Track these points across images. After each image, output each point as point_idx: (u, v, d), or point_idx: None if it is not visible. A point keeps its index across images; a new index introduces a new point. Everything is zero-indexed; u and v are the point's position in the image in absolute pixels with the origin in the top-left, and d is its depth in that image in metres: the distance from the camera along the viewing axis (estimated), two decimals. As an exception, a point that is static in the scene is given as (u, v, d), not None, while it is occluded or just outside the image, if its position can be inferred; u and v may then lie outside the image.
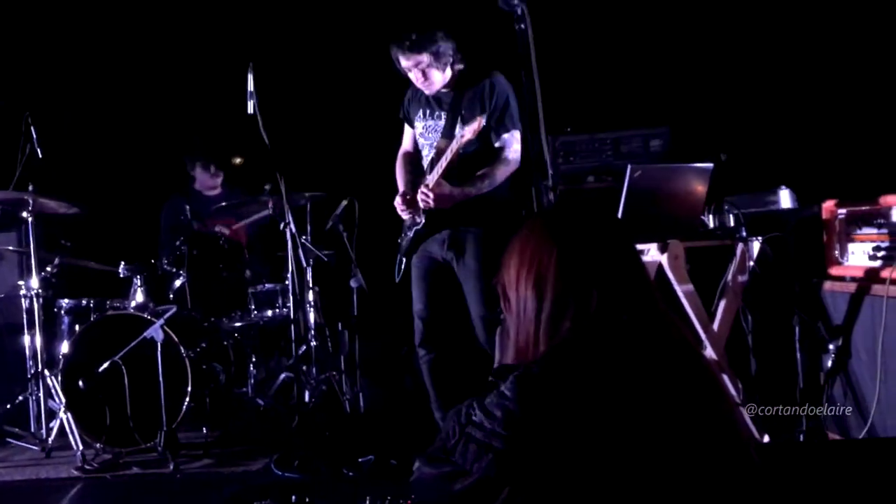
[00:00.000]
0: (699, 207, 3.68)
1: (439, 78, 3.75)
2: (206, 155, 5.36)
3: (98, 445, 4.25)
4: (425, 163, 3.91)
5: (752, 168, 4.26)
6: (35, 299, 4.37)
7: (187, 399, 4.24)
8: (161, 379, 4.07)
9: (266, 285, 5.06)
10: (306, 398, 4.74)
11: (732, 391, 3.52)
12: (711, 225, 3.82)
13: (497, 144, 3.70)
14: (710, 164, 3.60)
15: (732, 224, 3.77)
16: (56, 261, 4.63)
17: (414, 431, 4.48)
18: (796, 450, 3.03)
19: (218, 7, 5.75)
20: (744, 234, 3.70)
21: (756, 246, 3.71)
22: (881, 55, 4.66)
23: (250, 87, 4.34)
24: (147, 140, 5.84)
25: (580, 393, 1.42)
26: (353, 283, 5.05)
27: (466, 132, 3.51)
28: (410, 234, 3.90)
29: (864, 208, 3.36)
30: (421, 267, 3.94)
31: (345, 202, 4.99)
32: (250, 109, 4.34)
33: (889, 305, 3.10)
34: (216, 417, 4.61)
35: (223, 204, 5.10)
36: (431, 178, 3.70)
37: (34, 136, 4.46)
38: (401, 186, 4.04)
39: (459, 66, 3.77)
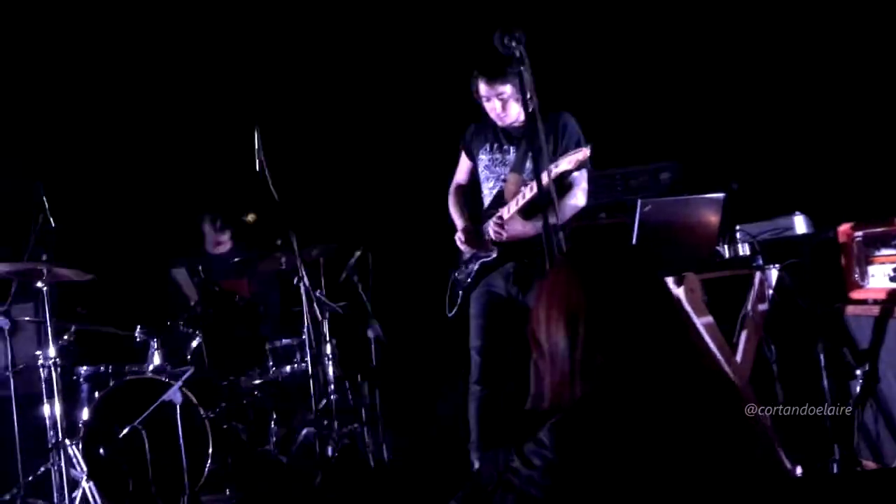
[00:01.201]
0: (713, 238, 3.64)
1: (516, 111, 3.77)
2: (212, 210, 5.41)
3: (121, 513, 4.21)
4: (487, 196, 3.94)
5: (763, 195, 4.22)
6: (53, 368, 4.36)
7: (209, 461, 4.21)
8: (181, 442, 4.04)
9: (283, 341, 5.04)
10: (329, 453, 4.69)
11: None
12: (727, 255, 3.77)
13: (567, 181, 3.74)
14: (722, 194, 3.57)
15: (748, 253, 3.72)
16: (72, 328, 4.63)
17: (439, 482, 4.43)
18: (832, 482, 2.96)
19: (224, 65, 5.81)
20: (760, 262, 3.65)
21: (774, 273, 3.66)
22: (889, 76, 4.64)
23: (257, 144, 4.38)
24: (157, 203, 5.88)
25: (618, 437, 1.41)
26: (370, 334, 5.03)
27: (562, 163, 3.50)
28: (475, 266, 3.90)
29: (880, 229, 3.32)
30: (482, 302, 3.92)
31: (358, 253, 5.00)
32: (258, 167, 4.37)
33: (915, 326, 3.05)
34: (239, 478, 4.57)
35: (235, 259, 5.11)
36: (507, 211, 3.73)
37: (46, 205, 4.48)
38: (458, 221, 4.05)
39: (535, 102, 3.75)
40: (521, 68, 2.54)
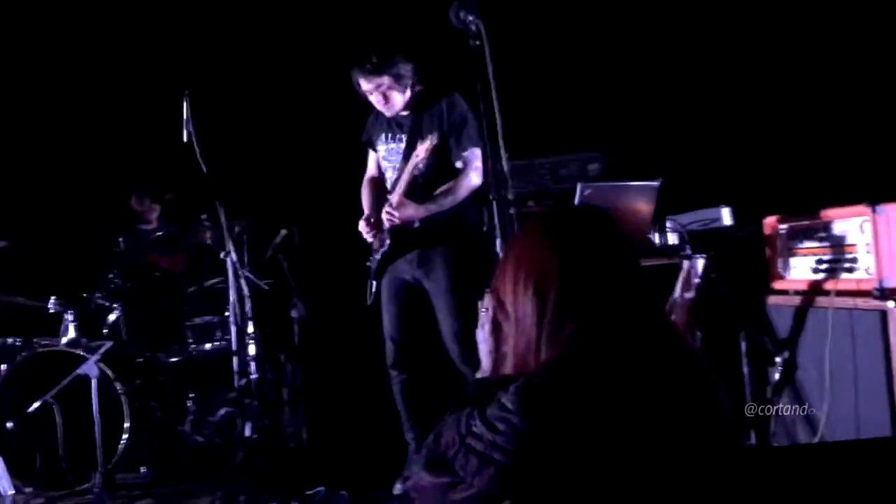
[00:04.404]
0: (647, 225, 3.72)
1: (399, 100, 3.80)
2: (141, 187, 5.23)
3: (28, 490, 4.05)
4: (389, 185, 3.95)
5: (690, 187, 4.33)
6: (-41, 339, 4.16)
7: (124, 437, 4.08)
8: (97, 417, 3.90)
9: (203, 317, 4.92)
10: (248, 433, 4.59)
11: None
12: (657, 243, 3.86)
13: (458, 163, 3.76)
14: (657, 182, 3.65)
15: (677, 242, 3.82)
16: (-20, 297, 4.42)
17: (358, 463, 4.41)
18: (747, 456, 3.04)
19: (153, 34, 5.62)
20: (688, 251, 3.75)
21: (701, 263, 3.76)
22: (809, 71, 4.80)
23: (186, 114, 4.26)
24: (79, 171, 5.65)
25: (584, 403, 1.38)
26: (294, 314, 4.95)
27: (420, 151, 3.58)
28: (378, 256, 3.92)
29: (805, 223, 3.44)
30: (391, 288, 3.96)
31: (284, 231, 4.91)
32: (185, 137, 4.25)
33: (834, 317, 3.17)
34: (154, 456, 4.45)
35: (159, 233, 4.96)
36: (394, 198, 3.74)
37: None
38: (365, 210, 4.08)
39: (418, 88, 3.83)
40: (477, 42, 2.51)
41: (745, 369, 3.67)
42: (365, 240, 3.98)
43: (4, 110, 5.56)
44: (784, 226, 3.53)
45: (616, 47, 5.35)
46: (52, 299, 4.47)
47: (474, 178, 3.76)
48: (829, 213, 3.31)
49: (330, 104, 5.72)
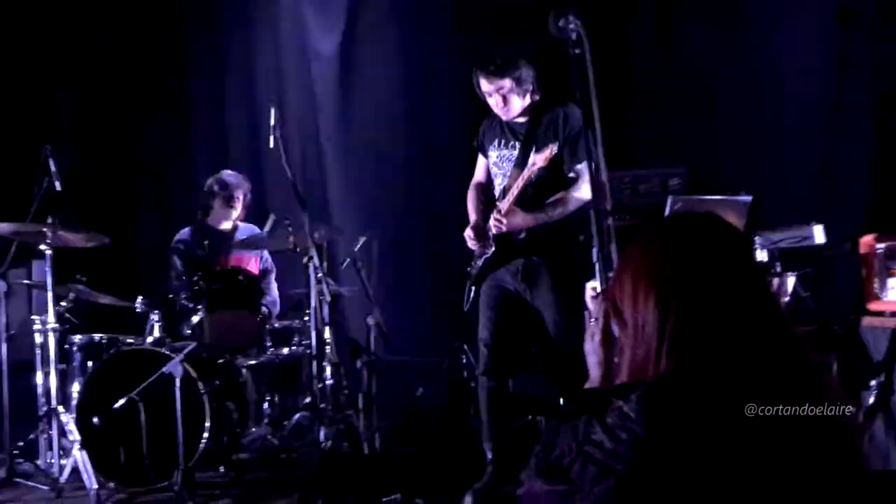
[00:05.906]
0: (736, 241, 3.64)
1: (518, 104, 3.82)
2: (226, 189, 5.25)
3: (112, 485, 4.14)
4: (497, 192, 3.96)
5: (783, 203, 4.24)
6: (52, 335, 4.26)
7: (205, 437, 4.13)
8: (179, 416, 3.96)
9: (283, 322, 4.97)
10: (322, 437, 4.62)
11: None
12: (746, 259, 3.77)
13: (570, 175, 3.76)
14: (749, 197, 3.58)
15: (766, 259, 3.73)
16: (71, 295, 4.54)
17: (435, 470, 4.39)
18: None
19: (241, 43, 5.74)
20: (778, 269, 3.66)
21: (791, 281, 3.67)
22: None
23: (272, 120, 4.33)
24: (164, 173, 5.79)
25: (708, 415, 1.34)
26: (370, 320, 4.97)
27: (538, 160, 3.60)
28: (480, 262, 3.93)
29: (904, 242, 3.33)
30: (491, 295, 3.95)
31: (363, 238, 4.95)
32: (272, 143, 4.32)
33: (936, 340, 3.06)
34: (231, 457, 4.50)
35: (243, 237, 5.02)
36: (504, 205, 3.76)
37: (53, 168, 4.38)
38: (472, 216, 4.08)
39: (536, 96, 3.85)
40: (577, 50, 2.48)
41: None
42: (468, 246, 4.01)
43: (96, 116, 5.73)
44: (881, 245, 3.43)
45: (696, 62, 5.27)
46: (140, 299, 4.56)
47: (586, 191, 3.69)
48: (931, 233, 3.20)
49: (408, 115, 5.79)
